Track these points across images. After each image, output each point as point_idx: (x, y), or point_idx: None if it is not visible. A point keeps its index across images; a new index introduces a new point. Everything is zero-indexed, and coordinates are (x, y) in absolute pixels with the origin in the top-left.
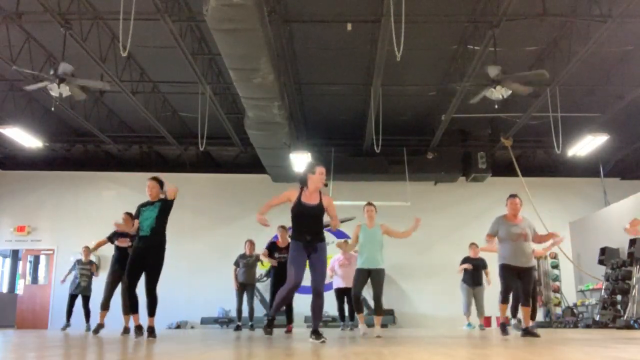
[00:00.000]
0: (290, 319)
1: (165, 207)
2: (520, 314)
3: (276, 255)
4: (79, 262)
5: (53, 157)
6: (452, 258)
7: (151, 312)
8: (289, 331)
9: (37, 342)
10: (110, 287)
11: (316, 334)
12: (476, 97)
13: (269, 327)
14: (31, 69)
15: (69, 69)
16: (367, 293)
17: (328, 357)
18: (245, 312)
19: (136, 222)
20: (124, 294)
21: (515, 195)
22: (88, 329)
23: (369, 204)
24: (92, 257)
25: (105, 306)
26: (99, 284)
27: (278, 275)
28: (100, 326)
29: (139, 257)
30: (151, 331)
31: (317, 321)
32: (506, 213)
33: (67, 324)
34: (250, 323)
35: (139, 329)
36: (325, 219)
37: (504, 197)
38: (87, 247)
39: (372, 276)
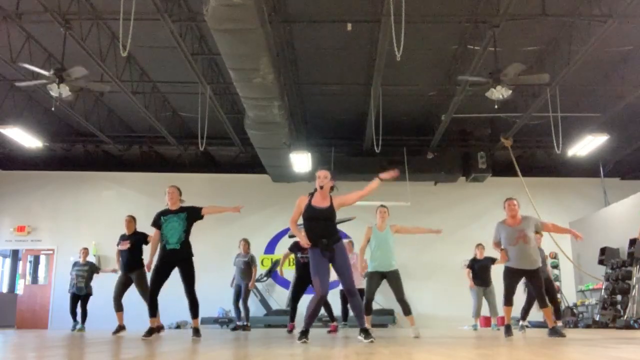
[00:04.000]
0: (332, 318)
1: (192, 218)
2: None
3: (299, 255)
4: (76, 263)
5: (53, 157)
6: (452, 258)
7: (194, 314)
8: (333, 330)
9: (37, 342)
10: (118, 289)
11: (365, 332)
12: (494, 95)
13: (305, 336)
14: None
15: (82, 72)
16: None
17: (329, 357)
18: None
19: (156, 232)
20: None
21: (512, 197)
22: (82, 329)
23: (382, 205)
24: (92, 258)
25: (116, 307)
26: (99, 285)
27: (300, 277)
28: (120, 327)
29: (167, 267)
30: (196, 331)
31: (361, 320)
32: (505, 218)
33: (75, 324)
34: (244, 323)
35: (152, 331)
36: (341, 216)
37: (504, 197)
38: (85, 249)
39: (389, 279)
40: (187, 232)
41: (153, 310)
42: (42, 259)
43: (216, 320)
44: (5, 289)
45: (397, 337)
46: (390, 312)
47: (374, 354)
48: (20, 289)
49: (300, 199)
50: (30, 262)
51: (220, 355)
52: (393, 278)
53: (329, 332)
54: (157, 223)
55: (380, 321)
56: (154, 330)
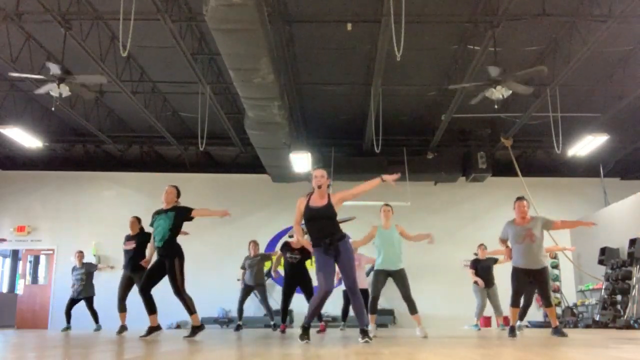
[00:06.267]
0: (284, 320)
1: (179, 218)
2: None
3: (288, 255)
4: (74, 268)
5: (53, 157)
6: (452, 258)
7: (188, 312)
8: (282, 331)
9: (37, 342)
10: (122, 289)
11: (363, 333)
12: (476, 97)
13: (306, 334)
14: (31, 69)
15: (99, 80)
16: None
17: (329, 357)
18: (250, 313)
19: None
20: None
21: (522, 197)
22: (98, 329)
23: (386, 204)
24: (92, 259)
25: (120, 308)
26: (101, 283)
27: (288, 277)
28: (123, 328)
29: (157, 264)
30: (193, 330)
31: (361, 320)
32: (514, 217)
33: (67, 326)
34: (272, 322)
35: (152, 329)
36: (341, 215)
37: (504, 197)
38: (80, 252)
39: (395, 278)
40: (172, 230)
41: (149, 308)
42: (42, 259)
43: (216, 320)
44: (5, 289)
45: (397, 337)
46: (390, 312)
47: (374, 354)
48: (20, 289)
49: (299, 200)
50: (30, 262)
51: (220, 356)
52: (399, 277)
53: (281, 332)
54: (152, 223)
55: (381, 321)
56: (154, 329)
